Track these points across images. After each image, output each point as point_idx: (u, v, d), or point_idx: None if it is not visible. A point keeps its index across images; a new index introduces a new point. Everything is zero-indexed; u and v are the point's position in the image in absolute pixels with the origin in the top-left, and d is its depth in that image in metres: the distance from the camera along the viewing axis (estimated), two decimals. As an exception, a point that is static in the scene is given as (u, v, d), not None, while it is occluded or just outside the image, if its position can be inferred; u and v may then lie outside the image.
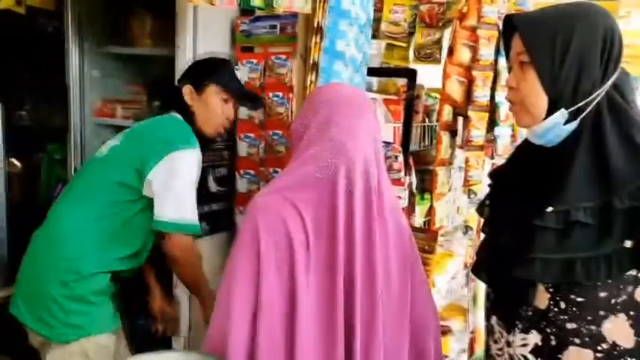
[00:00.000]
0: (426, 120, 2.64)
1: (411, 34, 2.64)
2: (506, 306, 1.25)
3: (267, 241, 1.27)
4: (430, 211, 2.43)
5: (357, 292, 1.29)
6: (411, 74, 2.17)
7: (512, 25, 1.21)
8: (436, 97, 2.67)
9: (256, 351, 1.24)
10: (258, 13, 2.46)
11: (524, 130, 1.46)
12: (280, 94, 2.48)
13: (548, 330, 1.17)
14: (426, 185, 2.59)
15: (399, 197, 2.05)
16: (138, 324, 2.56)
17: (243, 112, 2.55)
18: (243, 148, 2.58)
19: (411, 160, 2.22)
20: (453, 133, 2.46)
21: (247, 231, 1.30)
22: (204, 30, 2.45)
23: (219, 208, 2.70)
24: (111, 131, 3.09)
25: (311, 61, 2.41)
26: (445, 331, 2.49)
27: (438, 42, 2.56)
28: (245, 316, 1.26)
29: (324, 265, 1.29)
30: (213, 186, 2.66)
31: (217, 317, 1.31)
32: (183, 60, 2.43)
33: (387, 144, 2.06)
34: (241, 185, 2.62)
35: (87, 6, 2.77)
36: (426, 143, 2.58)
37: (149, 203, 1.92)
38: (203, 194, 2.59)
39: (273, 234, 1.27)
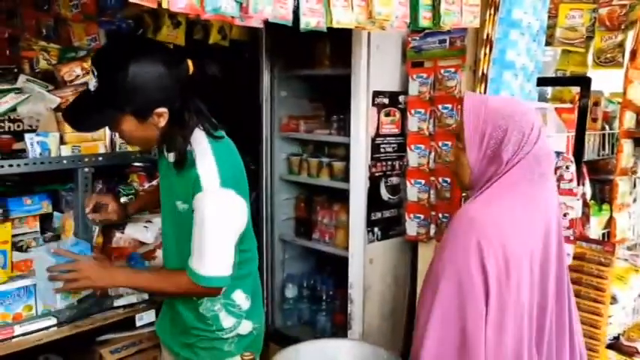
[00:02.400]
0: (606, 127, 2.50)
1: (589, 38, 2.53)
2: None
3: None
4: (610, 223, 2.30)
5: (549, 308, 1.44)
6: (584, 82, 2.09)
7: None
8: (618, 104, 2.52)
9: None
10: (428, 29, 2.58)
11: None
12: (450, 105, 2.56)
13: None
14: (605, 195, 2.46)
15: (571, 207, 2.01)
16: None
17: (413, 124, 2.69)
18: (413, 159, 2.71)
19: (584, 170, 2.14)
20: (637, 141, 2.31)
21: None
22: (376, 49, 2.64)
23: (391, 215, 2.87)
24: (295, 144, 3.46)
25: (480, 73, 2.46)
26: (632, 353, 2.33)
27: (621, 45, 2.42)
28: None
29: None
30: (385, 194, 2.83)
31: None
32: (358, 78, 2.64)
33: (557, 154, 2.03)
34: (411, 194, 2.74)
35: (277, 36, 3.14)
36: (606, 152, 2.44)
37: None
38: (376, 202, 2.79)
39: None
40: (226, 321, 1.78)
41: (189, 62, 1.65)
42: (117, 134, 1.64)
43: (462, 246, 1.37)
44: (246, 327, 1.82)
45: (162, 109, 1.59)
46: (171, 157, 1.69)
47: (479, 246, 1.34)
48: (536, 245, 1.41)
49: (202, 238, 1.62)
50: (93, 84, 1.57)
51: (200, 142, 1.66)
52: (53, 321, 2.01)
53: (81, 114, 1.62)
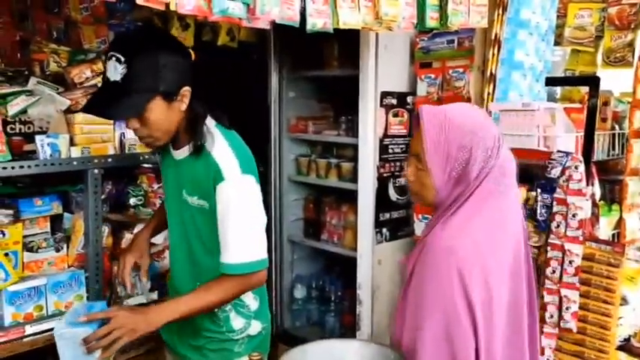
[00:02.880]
0: (616, 127, 2.48)
1: (599, 38, 2.52)
2: None
3: None
4: (620, 223, 2.29)
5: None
6: (593, 82, 2.08)
7: None
8: (627, 103, 2.50)
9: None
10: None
11: None
12: (458, 106, 2.55)
13: None
14: (615, 196, 2.44)
15: (580, 208, 2.00)
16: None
17: (422, 124, 2.68)
18: (421, 159, 2.71)
19: (593, 170, 2.13)
20: (647, 141, 2.29)
21: None
22: (384, 50, 2.64)
23: (399, 216, 2.87)
24: (303, 145, 3.46)
25: (488, 73, 2.46)
26: (640, 354, 2.32)
27: (630, 45, 2.41)
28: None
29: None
30: (393, 195, 2.83)
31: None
32: (366, 79, 2.65)
33: (566, 154, 2.02)
34: (420, 194, 2.73)
35: (286, 37, 3.15)
36: (616, 152, 2.42)
37: None
38: (384, 203, 2.79)
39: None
40: (236, 322, 1.78)
41: (191, 51, 1.67)
42: (134, 129, 1.59)
43: (444, 279, 1.30)
44: (255, 327, 1.82)
45: (187, 88, 1.60)
46: (183, 151, 1.69)
47: (460, 276, 1.28)
48: (510, 255, 1.37)
49: (232, 229, 1.60)
50: (120, 71, 1.53)
51: (211, 129, 1.66)
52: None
53: (108, 103, 1.58)
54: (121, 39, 1.67)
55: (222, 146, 1.63)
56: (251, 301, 1.80)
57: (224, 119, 1.71)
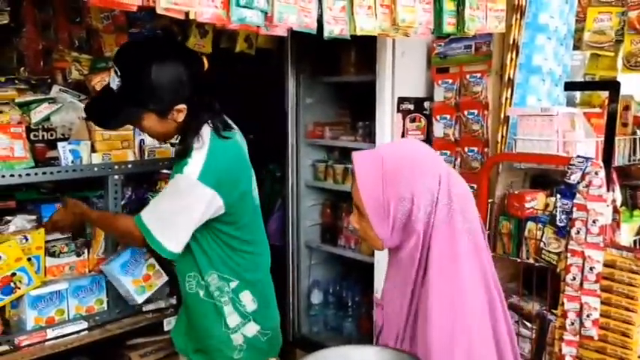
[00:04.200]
0: (637, 132, 2.45)
1: (619, 42, 2.49)
2: None
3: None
4: (642, 230, 2.26)
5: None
6: (613, 86, 2.06)
7: None
8: (649, 108, 2.47)
9: None
10: (453, 35, 2.57)
11: None
12: (475, 111, 2.54)
13: None
14: (637, 201, 2.41)
15: (601, 214, 1.97)
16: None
17: (439, 130, 2.67)
18: (439, 165, 2.70)
19: (614, 175, 2.10)
20: (669, 146, 2.26)
21: None
22: (401, 55, 2.64)
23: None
24: (320, 150, 3.47)
25: (506, 78, 2.44)
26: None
27: (651, 48, 2.38)
28: None
29: None
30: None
31: None
32: (383, 84, 2.65)
33: (586, 159, 1.99)
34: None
35: (303, 44, 3.17)
36: (637, 157, 2.39)
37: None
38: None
39: None
40: (231, 318, 1.84)
41: (204, 59, 1.73)
42: (143, 134, 1.73)
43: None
44: (251, 329, 1.87)
45: (182, 106, 1.68)
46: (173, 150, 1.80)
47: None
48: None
49: (165, 204, 1.75)
50: (116, 83, 1.62)
51: (202, 138, 1.73)
52: (84, 325, 2.07)
53: (103, 113, 1.71)
54: (122, 51, 1.74)
55: (200, 152, 1.70)
56: (248, 301, 1.86)
57: (224, 129, 1.78)
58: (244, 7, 1.40)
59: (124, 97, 1.63)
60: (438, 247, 1.25)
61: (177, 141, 1.83)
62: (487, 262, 1.30)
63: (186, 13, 1.33)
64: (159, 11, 1.27)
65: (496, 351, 1.27)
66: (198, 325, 1.88)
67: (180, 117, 1.70)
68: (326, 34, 1.62)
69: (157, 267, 2.00)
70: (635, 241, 2.28)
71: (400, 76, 2.66)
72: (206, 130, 1.74)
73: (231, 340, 1.84)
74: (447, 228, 1.24)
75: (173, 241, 1.73)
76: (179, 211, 1.72)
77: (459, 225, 1.26)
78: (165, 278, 1.98)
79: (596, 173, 1.94)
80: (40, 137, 2.08)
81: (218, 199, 1.71)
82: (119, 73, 1.62)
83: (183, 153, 1.71)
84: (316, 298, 3.44)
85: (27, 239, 2.00)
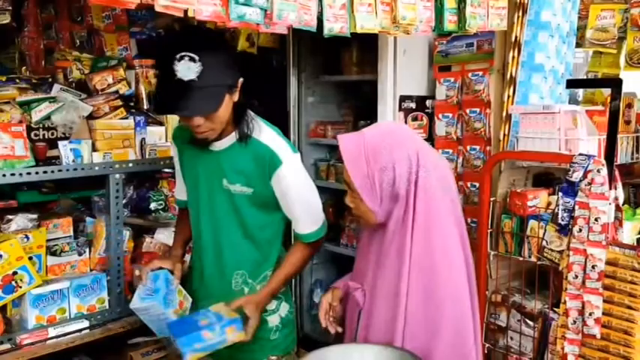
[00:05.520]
0: (640, 130, 2.44)
1: (621, 39, 2.48)
2: None
3: None
4: (645, 228, 2.24)
5: None
6: (615, 84, 2.05)
7: None
8: (652, 105, 2.45)
9: None
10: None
11: None
12: (477, 109, 2.54)
13: None
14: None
15: (603, 212, 1.96)
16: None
17: (441, 129, 2.67)
18: (441, 163, 2.69)
19: (617, 173, 2.09)
20: (673, 144, 2.25)
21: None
22: (403, 54, 2.64)
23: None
24: (323, 149, 3.47)
25: (509, 76, 2.43)
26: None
27: (654, 46, 2.36)
28: None
29: None
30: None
31: None
32: (385, 83, 2.64)
33: (588, 157, 1.98)
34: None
35: (305, 43, 3.16)
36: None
37: None
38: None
39: None
40: (270, 303, 1.88)
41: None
42: (198, 125, 1.67)
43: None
44: (284, 309, 1.93)
45: (241, 80, 1.74)
46: (227, 140, 1.76)
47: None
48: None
49: (298, 204, 1.80)
50: (195, 70, 1.59)
51: (255, 118, 1.80)
52: (86, 323, 2.07)
53: (186, 100, 1.62)
54: (186, 41, 1.71)
55: (268, 132, 1.78)
56: None
57: (259, 110, 1.84)
58: (244, 4, 1.40)
59: (209, 80, 1.61)
60: (421, 209, 1.41)
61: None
62: (462, 225, 1.49)
63: (185, 11, 1.33)
64: (157, 9, 1.27)
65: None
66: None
67: (236, 95, 1.73)
68: (326, 31, 1.62)
69: (184, 291, 1.91)
70: (637, 239, 2.27)
71: (402, 74, 2.66)
72: (251, 114, 1.81)
73: (267, 322, 1.89)
74: (427, 192, 1.41)
75: (322, 214, 1.86)
76: (309, 191, 1.83)
77: (438, 190, 1.42)
78: (190, 300, 1.90)
79: (599, 171, 1.92)
80: (41, 136, 2.08)
81: None
82: (197, 58, 1.59)
83: (247, 134, 1.75)
84: (318, 297, 3.42)
85: (28, 238, 2.00)
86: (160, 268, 1.89)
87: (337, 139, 1.47)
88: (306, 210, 1.83)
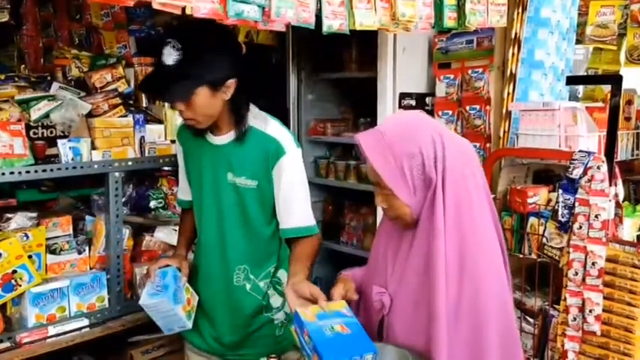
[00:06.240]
0: (640, 127, 2.43)
1: (621, 35, 2.48)
2: None
3: None
4: (645, 225, 2.24)
5: None
6: (615, 80, 2.04)
7: None
8: (652, 102, 2.45)
9: None
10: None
11: None
12: (477, 106, 2.53)
13: None
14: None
15: (603, 209, 1.95)
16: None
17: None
18: (440, 161, 2.68)
19: (617, 170, 2.08)
20: (673, 140, 2.24)
21: None
22: (402, 51, 2.63)
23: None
24: (322, 147, 3.46)
25: (508, 73, 2.43)
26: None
27: (654, 42, 2.36)
28: None
29: None
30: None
31: None
32: (384, 80, 2.64)
33: (588, 154, 1.98)
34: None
35: (304, 40, 3.16)
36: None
37: None
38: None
39: None
40: (274, 299, 1.90)
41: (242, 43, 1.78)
42: (180, 111, 1.72)
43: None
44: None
45: (232, 80, 1.71)
46: (227, 135, 1.78)
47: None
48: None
49: (299, 197, 1.79)
50: (173, 57, 1.62)
51: (261, 113, 1.82)
52: (85, 322, 2.07)
53: (160, 86, 1.70)
54: (179, 27, 1.81)
55: (275, 125, 1.80)
56: (284, 279, 1.90)
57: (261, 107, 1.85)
58: (241, 1, 1.40)
59: (184, 70, 1.63)
60: (451, 196, 1.31)
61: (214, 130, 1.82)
62: (495, 212, 1.40)
63: (183, 9, 1.33)
64: (155, 6, 1.27)
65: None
66: (239, 316, 1.88)
67: (229, 93, 1.72)
68: (325, 29, 1.61)
69: (191, 288, 1.92)
70: (637, 236, 2.27)
71: (401, 71, 2.65)
72: (252, 106, 1.82)
73: (274, 320, 1.90)
74: (455, 176, 1.32)
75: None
76: (307, 190, 1.83)
77: (467, 174, 1.33)
78: (197, 297, 1.92)
79: (599, 168, 1.92)
80: (40, 134, 2.07)
81: None
82: (179, 47, 1.62)
83: (244, 132, 1.76)
84: (319, 295, 3.43)
85: (28, 237, 1.99)
86: (167, 265, 1.89)
87: (355, 139, 1.39)
88: (304, 203, 1.81)
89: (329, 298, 1.46)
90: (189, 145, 1.90)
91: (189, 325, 1.89)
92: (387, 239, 1.49)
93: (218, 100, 1.71)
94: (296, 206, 1.79)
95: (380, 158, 1.33)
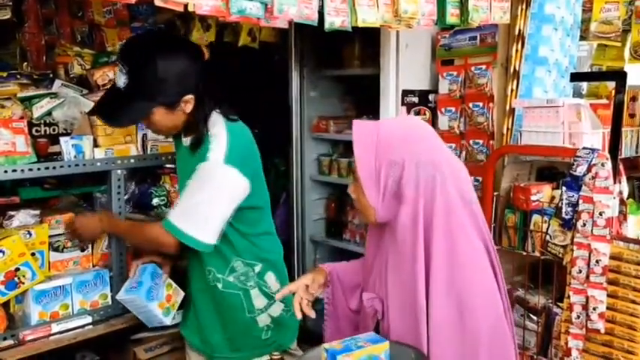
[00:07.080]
0: (645, 123, 2.42)
1: (626, 32, 2.46)
2: None
3: None
4: (649, 222, 2.23)
5: None
6: (619, 77, 2.03)
7: None
8: (657, 98, 2.44)
9: None
10: (458, 27, 2.54)
11: None
12: (480, 104, 2.52)
13: None
14: (644, 194, 2.38)
15: (607, 206, 1.95)
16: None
17: (444, 123, 2.65)
18: (443, 158, 2.68)
19: (621, 167, 2.07)
20: (678, 137, 2.23)
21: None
22: (405, 48, 2.62)
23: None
24: (325, 144, 3.46)
25: (512, 69, 2.41)
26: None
27: (659, 38, 2.35)
28: None
29: None
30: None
31: None
32: (387, 77, 2.63)
33: (592, 151, 1.97)
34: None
35: (306, 37, 3.15)
36: (644, 148, 2.37)
37: None
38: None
39: None
40: (258, 301, 1.89)
41: (204, 49, 1.74)
42: (146, 127, 1.79)
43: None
44: (276, 309, 1.93)
45: (189, 96, 1.71)
46: (187, 140, 1.81)
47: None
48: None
49: (192, 199, 1.72)
50: (123, 80, 1.64)
51: (216, 124, 1.77)
52: (88, 319, 2.07)
53: (112, 111, 1.71)
54: (126, 48, 1.77)
55: (220, 137, 1.73)
56: (273, 282, 1.92)
57: (231, 114, 1.82)
58: (244, -2, 1.39)
59: (133, 94, 1.65)
60: (438, 217, 1.27)
61: (183, 134, 1.85)
62: (484, 229, 1.36)
63: (185, 6, 1.32)
64: (157, 3, 1.26)
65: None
66: (220, 316, 1.90)
67: (189, 107, 1.72)
68: (327, 25, 1.60)
69: (174, 285, 1.98)
70: (642, 234, 2.26)
71: (404, 68, 2.64)
72: (217, 118, 1.78)
73: (257, 322, 1.90)
74: (442, 198, 1.27)
75: (209, 233, 1.74)
76: (211, 200, 1.72)
77: (453, 195, 1.28)
78: (182, 294, 1.96)
79: (603, 165, 1.92)
80: (42, 132, 2.07)
81: (245, 179, 1.75)
82: (125, 70, 1.63)
83: (199, 143, 1.75)
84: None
85: (31, 234, 1.99)
86: (152, 261, 1.94)
87: (352, 124, 1.37)
88: (192, 208, 1.73)
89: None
90: (177, 142, 1.94)
91: (167, 321, 1.96)
92: (374, 243, 1.49)
93: (178, 114, 1.73)
94: (180, 203, 1.76)
95: (363, 152, 1.32)
